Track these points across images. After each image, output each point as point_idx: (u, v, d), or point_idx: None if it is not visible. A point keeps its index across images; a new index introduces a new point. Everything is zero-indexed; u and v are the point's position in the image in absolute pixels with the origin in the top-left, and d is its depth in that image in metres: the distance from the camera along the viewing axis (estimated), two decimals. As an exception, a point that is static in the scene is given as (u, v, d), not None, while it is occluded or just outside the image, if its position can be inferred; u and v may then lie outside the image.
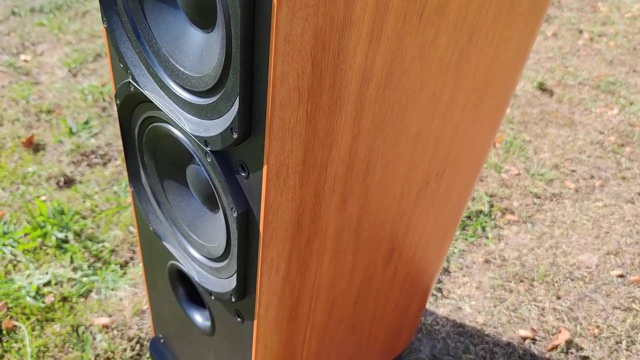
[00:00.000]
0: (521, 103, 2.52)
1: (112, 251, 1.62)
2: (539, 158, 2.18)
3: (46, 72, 2.45)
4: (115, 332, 1.41)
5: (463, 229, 1.81)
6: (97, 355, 1.36)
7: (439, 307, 1.55)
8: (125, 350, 1.37)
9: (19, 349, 1.36)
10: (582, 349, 1.47)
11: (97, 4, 3.05)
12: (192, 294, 0.94)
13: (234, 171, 0.61)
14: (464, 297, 1.59)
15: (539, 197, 1.99)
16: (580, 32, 3.26)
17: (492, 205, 1.92)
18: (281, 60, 0.48)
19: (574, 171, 2.14)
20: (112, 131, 2.11)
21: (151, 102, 0.68)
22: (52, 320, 1.43)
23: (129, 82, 0.69)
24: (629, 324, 1.54)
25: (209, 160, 0.61)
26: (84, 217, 1.72)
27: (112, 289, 1.52)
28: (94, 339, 1.39)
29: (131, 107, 0.74)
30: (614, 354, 1.46)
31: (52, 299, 1.47)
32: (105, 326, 1.42)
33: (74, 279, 1.53)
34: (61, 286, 1.51)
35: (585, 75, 2.80)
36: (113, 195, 1.82)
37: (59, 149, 2.00)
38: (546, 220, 1.89)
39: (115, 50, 0.67)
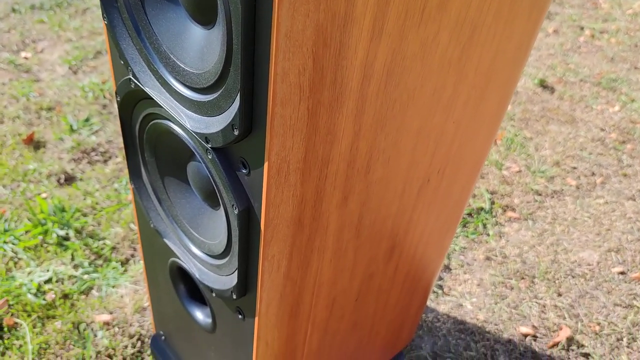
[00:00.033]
0: (522, 100, 2.52)
1: (113, 248, 1.62)
2: (540, 155, 2.18)
3: (47, 69, 2.45)
4: (116, 329, 1.41)
5: (464, 226, 1.81)
6: (98, 352, 1.36)
7: (440, 304, 1.55)
8: (126, 347, 1.37)
9: (20, 346, 1.36)
10: (583, 345, 1.47)
11: (97, 1, 3.05)
12: (193, 291, 0.94)
13: (235, 168, 0.61)
14: (465, 294, 1.59)
15: (540, 194, 1.99)
16: (582, 28, 3.25)
17: (493, 203, 1.92)
18: (282, 56, 0.47)
19: (575, 168, 2.13)
20: (113, 128, 2.11)
21: (152, 99, 0.68)
22: (53, 317, 1.43)
23: (130, 78, 0.69)
24: (630, 321, 1.54)
25: (209, 157, 0.61)
26: (84, 215, 1.72)
27: (113, 286, 1.52)
28: (95, 336, 1.39)
29: (132, 104, 0.74)
30: (615, 351, 1.46)
31: (53, 296, 1.47)
32: (106, 323, 1.42)
33: (75, 276, 1.53)
34: (62, 283, 1.51)
35: (586, 72, 2.79)
36: (114, 192, 1.82)
37: (60, 146, 2.00)
38: (547, 218, 1.89)
39: (116, 46, 0.67)
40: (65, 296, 1.48)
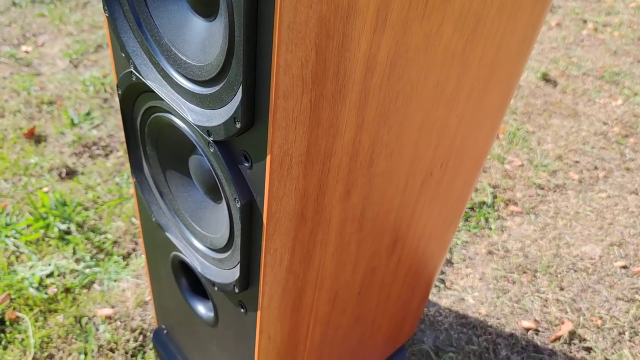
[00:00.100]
0: (525, 94, 2.51)
1: (115, 242, 1.62)
2: (543, 149, 2.18)
3: (47, 63, 2.45)
4: (118, 323, 1.41)
5: (466, 220, 1.81)
6: (101, 346, 1.36)
7: (442, 298, 1.55)
8: (128, 341, 1.37)
9: (22, 339, 1.36)
10: (585, 340, 1.47)
11: (98, -5, 3.04)
12: (195, 285, 0.94)
13: (237, 161, 0.60)
14: (467, 288, 1.59)
15: (542, 188, 1.98)
16: (585, 22, 3.24)
17: (495, 197, 1.92)
18: (285, 48, 0.47)
19: (577, 162, 2.13)
20: (114, 122, 2.10)
21: (153, 92, 0.68)
22: (55, 311, 1.43)
23: (131, 71, 0.68)
24: (632, 315, 1.54)
25: (211, 150, 0.61)
26: (86, 209, 1.72)
27: (115, 280, 1.52)
28: (97, 330, 1.40)
29: (133, 97, 0.74)
30: (617, 345, 1.46)
31: (55, 290, 1.47)
32: (108, 317, 1.42)
33: (77, 270, 1.53)
34: (64, 277, 1.51)
35: (589, 66, 2.78)
36: (115, 186, 1.82)
37: (61, 140, 2.00)
38: (549, 212, 1.89)
39: (117, 39, 0.67)
40: (67, 290, 1.48)
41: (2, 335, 1.37)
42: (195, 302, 0.93)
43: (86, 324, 1.41)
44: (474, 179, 0.98)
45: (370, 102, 0.60)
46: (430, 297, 1.55)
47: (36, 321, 1.40)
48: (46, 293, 1.46)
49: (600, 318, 1.53)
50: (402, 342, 1.30)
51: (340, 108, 0.57)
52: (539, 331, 1.48)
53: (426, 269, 1.08)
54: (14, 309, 1.42)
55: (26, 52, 2.51)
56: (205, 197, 0.77)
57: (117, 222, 1.68)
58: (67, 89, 2.27)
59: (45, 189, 1.78)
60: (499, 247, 1.72)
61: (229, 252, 0.71)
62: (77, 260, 1.56)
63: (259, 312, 0.72)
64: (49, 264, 1.53)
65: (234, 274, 0.71)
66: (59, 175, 1.84)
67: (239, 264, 0.68)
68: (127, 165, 1.90)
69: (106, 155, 1.95)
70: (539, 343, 1.45)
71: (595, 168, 2.10)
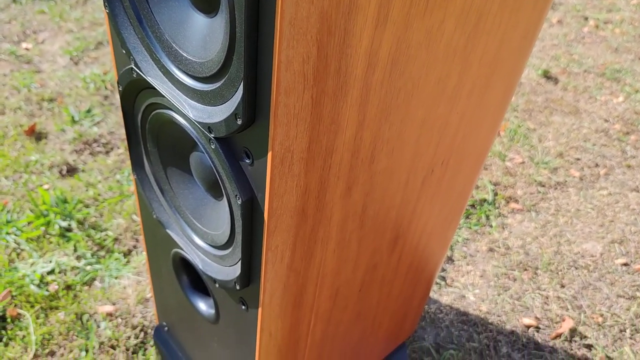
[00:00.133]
0: (526, 91, 2.50)
1: (116, 240, 1.62)
2: (544, 146, 2.17)
3: (48, 60, 2.44)
4: (119, 320, 1.41)
5: (467, 217, 1.81)
6: (102, 343, 1.36)
7: (443, 296, 1.55)
8: (129, 338, 1.38)
9: (24, 336, 1.36)
10: (585, 337, 1.47)
11: (98, -8, 3.03)
12: (196, 282, 0.94)
13: (238, 158, 0.60)
14: (467, 285, 1.58)
15: (543, 186, 1.98)
16: (586, 19, 3.23)
17: (496, 194, 1.92)
18: (286, 44, 0.47)
19: (578, 159, 2.13)
20: (115, 119, 2.10)
21: (154, 88, 0.68)
22: (56, 308, 1.43)
23: (132, 68, 0.68)
24: (633, 312, 1.54)
25: (212, 147, 0.61)
26: (87, 206, 1.72)
27: (116, 277, 1.52)
28: (98, 326, 1.40)
29: (134, 94, 0.74)
30: (618, 342, 1.46)
31: (56, 287, 1.47)
32: (110, 314, 1.43)
33: (78, 268, 1.53)
34: (65, 274, 1.51)
35: (590, 63, 2.77)
36: (116, 183, 1.81)
37: (61, 137, 2.00)
38: (550, 209, 1.88)
39: (118, 36, 0.66)
40: (68, 287, 1.48)
41: (3, 332, 1.37)
42: (196, 299, 0.93)
43: (87, 320, 1.41)
44: (475, 176, 0.97)
45: (371, 99, 0.59)
46: (431, 294, 1.55)
47: (37, 318, 1.40)
48: (47, 290, 1.46)
49: (601, 315, 1.53)
50: (403, 339, 1.30)
51: (342, 104, 0.56)
52: (539, 328, 1.48)
53: (427, 266, 1.08)
54: (15, 305, 1.42)
55: (26, 49, 2.50)
56: (206, 194, 0.76)
57: (117, 220, 1.68)
58: (67, 86, 2.27)
59: (46, 186, 1.78)
60: (500, 245, 1.72)
61: (230, 249, 0.71)
62: (78, 257, 1.56)
63: (260, 309, 0.72)
64: (50, 261, 1.53)
65: (235, 270, 0.71)
66: (60, 172, 1.84)
67: (240, 261, 0.68)
68: (128, 162, 1.90)
69: (107, 153, 1.95)
70: (539, 340, 1.45)
71: (596, 165, 2.10)
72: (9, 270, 1.50)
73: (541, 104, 2.43)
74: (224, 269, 0.74)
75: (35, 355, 1.32)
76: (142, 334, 1.39)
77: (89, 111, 2.13)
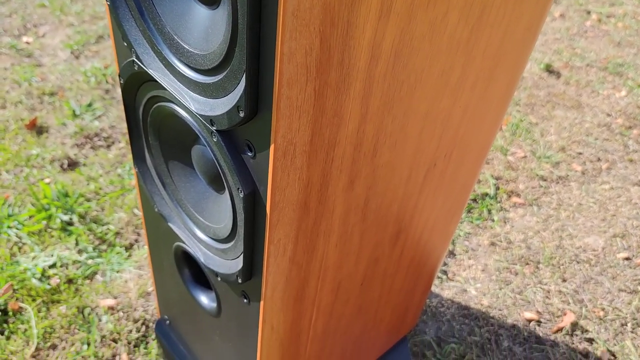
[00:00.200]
0: (528, 85, 2.50)
1: (117, 233, 1.62)
2: (546, 140, 2.17)
3: (48, 54, 2.44)
4: (120, 313, 1.42)
5: (469, 211, 1.81)
6: (103, 337, 1.36)
7: (444, 290, 1.55)
8: (130, 331, 1.38)
9: (25, 330, 1.36)
10: (587, 331, 1.47)
11: (99, -15, 3.02)
12: (198, 275, 0.94)
13: (240, 151, 0.60)
14: (469, 279, 1.58)
15: (545, 180, 1.98)
16: (588, 13, 3.22)
17: (498, 188, 1.91)
18: (289, 36, 0.46)
19: (580, 154, 2.12)
20: (116, 113, 2.10)
21: (156, 81, 0.67)
22: (58, 301, 1.43)
23: (133, 60, 0.68)
24: (634, 307, 1.54)
25: (214, 140, 0.60)
26: (88, 200, 1.72)
27: (117, 271, 1.52)
28: (100, 320, 1.40)
29: (135, 87, 0.73)
30: (619, 336, 1.46)
31: (58, 280, 1.47)
32: (111, 308, 1.43)
33: (79, 261, 1.53)
34: (66, 268, 1.51)
35: (592, 57, 2.76)
36: (117, 177, 1.81)
37: (63, 131, 1.99)
38: (552, 203, 1.88)
39: (119, 28, 0.66)
40: (70, 281, 1.48)
41: (5, 325, 1.37)
42: (198, 292, 0.93)
43: (89, 314, 1.41)
44: (477, 170, 0.97)
45: (374, 91, 0.59)
46: (433, 288, 1.55)
47: (39, 311, 1.40)
48: (49, 284, 1.46)
49: (603, 309, 1.53)
50: (405, 333, 1.30)
51: (345, 97, 0.56)
52: (541, 322, 1.48)
53: (429, 260, 1.08)
54: (16, 299, 1.42)
55: (27, 43, 2.50)
56: (208, 188, 0.76)
57: (119, 213, 1.68)
58: (68, 80, 2.27)
59: (47, 180, 1.77)
60: (502, 239, 1.72)
61: (232, 243, 0.71)
62: (80, 251, 1.56)
63: (262, 303, 0.72)
64: (52, 255, 1.54)
65: (237, 264, 0.71)
66: (61, 166, 1.84)
67: (242, 254, 0.68)
68: (129, 156, 1.90)
69: (108, 147, 1.95)
70: (541, 334, 1.45)
71: (599, 159, 2.10)
72: (11, 264, 1.50)
73: (543, 98, 2.42)
74: (226, 263, 0.74)
75: (37, 349, 1.33)
76: (143, 328, 1.39)
77: (90, 105, 2.12)
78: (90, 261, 1.53)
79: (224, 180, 0.65)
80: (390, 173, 0.73)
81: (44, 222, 1.62)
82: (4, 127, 1.98)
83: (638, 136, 2.24)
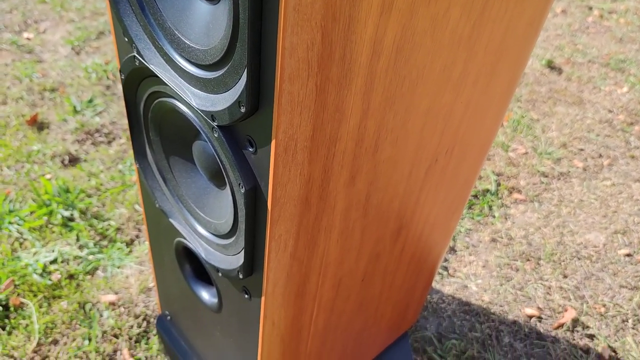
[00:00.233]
0: (529, 81, 2.49)
1: (118, 229, 1.63)
2: (547, 137, 2.16)
3: (49, 50, 2.43)
4: (122, 309, 1.42)
5: (470, 207, 1.81)
6: (104, 332, 1.37)
7: (445, 286, 1.55)
8: (132, 327, 1.38)
9: (27, 325, 1.37)
10: (588, 327, 1.47)
11: (99, -19, 3.01)
12: (199, 271, 0.94)
13: (242, 146, 0.60)
14: (470, 275, 1.58)
15: (546, 176, 1.97)
16: (590, 8, 3.21)
17: (499, 184, 1.91)
18: (290, 30, 0.46)
19: (582, 150, 2.12)
20: (117, 109, 2.10)
21: (157, 76, 0.67)
22: (59, 297, 1.43)
23: (134, 56, 0.67)
24: (635, 303, 1.54)
25: (215, 135, 0.60)
26: (89, 196, 1.72)
27: (118, 267, 1.52)
28: (101, 315, 1.40)
29: (136, 82, 0.73)
30: (620, 333, 1.46)
31: (59, 276, 1.47)
32: (112, 303, 1.43)
33: (80, 257, 1.53)
34: (67, 264, 1.51)
35: (594, 53, 2.76)
36: (118, 173, 1.81)
37: (64, 127, 1.99)
38: (553, 199, 1.88)
39: (120, 23, 0.66)
40: (71, 276, 1.49)
41: (7, 320, 1.37)
42: (199, 288, 0.93)
43: (90, 310, 1.41)
44: (479, 166, 0.97)
45: (376, 87, 0.59)
46: (434, 284, 1.55)
47: (40, 307, 1.40)
48: (50, 279, 1.46)
49: (604, 306, 1.53)
50: (405, 329, 1.30)
51: (346, 92, 0.56)
52: (542, 318, 1.48)
53: (430, 256, 1.08)
54: (18, 295, 1.43)
55: (28, 39, 2.49)
56: (209, 183, 0.76)
57: (120, 209, 1.68)
58: (69, 76, 2.27)
59: (48, 176, 1.77)
60: (503, 235, 1.72)
61: (233, 238, 0.71)
62: (81, 247, 1.56)
63: (263, 298, 0.72)
64: (53, 251, 1.54)
65: (238, 259, 0.71)
66: (62, 162, 1.84)
67: (243, 250, 0.68)
68: (130, 152, 1.90)
69: (109, 143, 1.95)
70: (542, 330, 1.46)
71: (600, 156, 2.09)
72: (12, 259, 1.50)
73: (545, 94, 2.42)
74: (227, 258, 0.74)
75: (39, 344, 1.33)
76: (144, 323, 1.39)
77: (90, 101, 2.12)
78: (91, 257, 1.53)
79: (225, 176, 0.65)
80: (391, 169, 0.73)
81: (45, 217, 1.62)
82: (4, 123, 1.98)
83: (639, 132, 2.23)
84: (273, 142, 0.54)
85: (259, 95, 0.53)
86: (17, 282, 1.45)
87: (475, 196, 1.85)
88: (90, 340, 1.35)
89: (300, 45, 0.48)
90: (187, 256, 0.93)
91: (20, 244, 1.56)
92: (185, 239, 0.84)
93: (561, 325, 1.47)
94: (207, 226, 0.77)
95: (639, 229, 1.78)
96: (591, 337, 1.45)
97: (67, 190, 1.70)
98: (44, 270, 1.49)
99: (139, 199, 1.61)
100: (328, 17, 0.48)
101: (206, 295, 0.92)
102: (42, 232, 1.59)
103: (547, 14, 0.78)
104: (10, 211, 1.63)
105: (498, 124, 0.91)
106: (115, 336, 1.36)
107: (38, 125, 1.99)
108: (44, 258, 1.51)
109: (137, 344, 1.35)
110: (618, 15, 3.15)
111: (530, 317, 1.48)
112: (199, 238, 0.79)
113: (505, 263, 1.63)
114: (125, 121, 2.03)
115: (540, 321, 1.48)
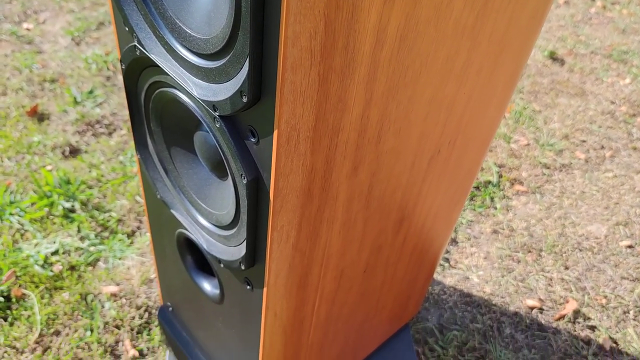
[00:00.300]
0: (531, 72, 2.48)
1: (119, 221, 1.62)
2: (549, 128, 2.16)
3: (49, 40, 2.42)
4: (123, 300, 1.42)
5: (471, 199, 1.80)
6: (106, 323, 1.37)
7: (447, 277, 1.55)
8: (133, 318, 1.38)
9: (29, 316, 1.37)
10: (589, 318, 1.47)
11: (99, -29, 2.99)
12: (201, 262, 0.94)
13: (244, 137, 0.59)
14: (471, 267, 1.58)
15: (548, 168, 1.97)
16: (593, -1, 3.19)
17: (500, 176, 1.91)
18: (293, 19, 0.46)
19: (584, 141, 2.11)
20: (117, 100, 2.09)
21: (158, 66, 0.67)
22: (61, 288, 1.44)
23: (135, 45, 0.67)
24: (636, 294, 1.54)
25: (217, 125, 0.60)
26: (90, 187, 1.72)
27: (120, 258, 1.52)
28: (103, 307, 1.40)
29: (137, 72, 0.72)
30: (621, 324, 1.46)
31: (60, 267, 1.48)
32: (114, 294, 1.43)
33: (82, 248, 1.53)
34: (69, 255, 1.51)
35: (597, 44, 2.74)
36: (119, 165, 1.81)
37: (64, 118, 1.99)
38: (555, 191, 1.88)
39: (120, 12, 0.65)
40: (72, 268, 1.49)
41: (9, 311, 1.37)
42: (200, 279, 0.93)
43: (92, 301, 1.41)
44: (481, 158, 0.97)
45: (379, 77, 0.58)
46: (435, 275, 1.55)
47: (42, 298, 1.41)
48: (51, 270, 1.46)
49: (605, 297, 1.53)
50: (407, 320, 1.30)
51: (349, 82, 0.55)
52: (543, 310, 1.48)
53: (431, 248, 1.08)
54: (19, 286, 1.43)
55: (27, 29, 2.48)
56: (211, 174, 0.76)
57: (121, 201, 1.68)
58: (69, 66, 2.26)
59: (49, 167, 1.77)
60: (504, 226, 1.72)
61: (235, 229, 0.71)
62: (82, 238, 1.56)
63: (265, 289, 0.72)
64: (54, 242, 1.54)
65: (240, 251, 0.70)
66: (63, 153, 1.84)
67: (245, 241, 0.68)
68: (131, 143, 1.90)
69: (109, 134, 1.94)
70: (543, 322, 1.46)
71: (602, 147, 2.09)
72: (13, 250, 1.50)
73: (547, 85, 2.41)
74: (229, 249, 0.74)
75: (41, 335, 1.33)
76: (146, 315, 1.39)
77: (91, 92, 2.11)
78: (92, 248, 1.53)
79: (226, 167, 0.65)
80: (394, 159, 0.73)
81: (46, 209, 1.62)
82: (5, 114, 1.98)
83: (642, 124, 2.23)
84: (275, 133, 0.54)
85: (261, 84, 0.52)
86: (18, 274, 1.45)
87: (477, 187, 1.85)
88: (92, 331, 1.35)
89: (303, 34, 0.47)
90: (189, 247, 0.93)
91: (22, 235, 1.56)
92: (186, 230, 0.83)
93: (562, 317, 1.47)
94: (208, 217, 0.76)
95: (641, 220, 1.78)
96: (592, 328, 1.45)
97: (68, 182, 1.70)
98: (45, 261, 1.49)
99: (140, 190, 1.60)
100: (331, 5, 0.47)
101: (208, 286, 0.92)
102: (43, 223, 1.59)
103: (551, 4, 0.77)
104: (11, 202, 1.63)
105: (500, 115, 0.90)
106: (117, 327, 1.36)
107: (38, 116, 1.98)
108: (45, 249, 1.51)
109: (139, 335, 1.35)
110: (621, 7, 3.13)
111: (532, 308, 1.49)
112: (201, 229, 0.79)
113: (506, 254, 1.63)
114: (126, 112, 2.02)
115: (541, 312, 1.48)
